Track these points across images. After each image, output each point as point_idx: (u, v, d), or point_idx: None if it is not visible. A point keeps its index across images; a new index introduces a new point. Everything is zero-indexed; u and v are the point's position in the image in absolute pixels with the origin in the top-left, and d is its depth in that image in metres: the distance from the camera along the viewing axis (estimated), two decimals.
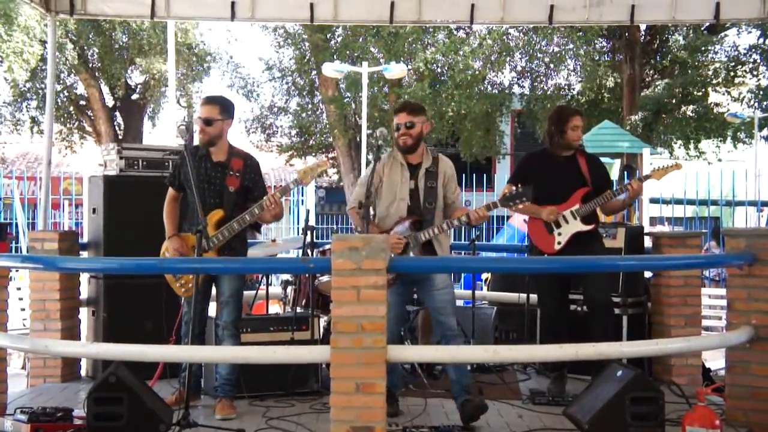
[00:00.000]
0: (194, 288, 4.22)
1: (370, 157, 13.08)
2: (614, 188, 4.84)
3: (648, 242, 5.60)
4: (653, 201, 11.59)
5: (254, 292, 6.00)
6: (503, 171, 18.13)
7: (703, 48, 17.36)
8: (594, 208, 4.76)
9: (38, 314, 5.14)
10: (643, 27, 17.32)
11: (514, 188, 4.34)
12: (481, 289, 7.63)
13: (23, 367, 6.26)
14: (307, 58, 18.75)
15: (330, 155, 20.52)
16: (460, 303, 6.52)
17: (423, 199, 4.30)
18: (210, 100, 4.49)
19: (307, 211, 6.00)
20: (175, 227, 4.44)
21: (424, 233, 4.25)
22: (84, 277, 5.50)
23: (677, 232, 7.19)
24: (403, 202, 4.31)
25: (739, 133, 17.89)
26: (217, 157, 4.41)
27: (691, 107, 17.75)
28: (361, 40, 16.99)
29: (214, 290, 4.52)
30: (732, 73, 17.72)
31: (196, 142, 4.50)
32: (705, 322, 6.57)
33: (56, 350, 4.40)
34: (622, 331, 5.10)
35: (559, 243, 4.73)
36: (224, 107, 4.44)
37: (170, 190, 4.51)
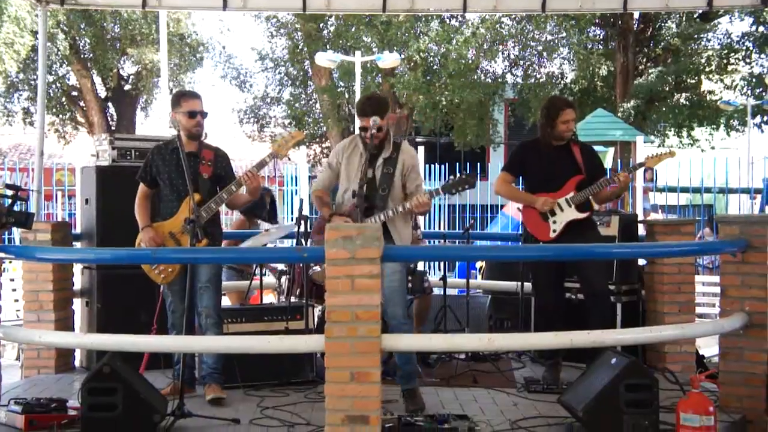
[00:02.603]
0: (188, 281, 4.24)
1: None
2: (608, 176, 4.85)
3: (642, 230, 5.60)
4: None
5: (248, 282, 5.98)
6: (497, 160, 18.08)
7: (696, 36, 17.36)
8: (588, 195, 4.76)
9: (32, 305, 5.12)
10: (636, 15, 17.28)
11: (458, 175, 4.32)
12: (476, 277, 7.63)
13: (17, 358, 6.25)
14: (300, 47, 18.68)
15: (324, 145, 20.48)
16: (454, 292, 6.55)
17: (377, 186, 4.29)
18: (198, 95, 4.61)
19: (301, 201, 5.99)
20: (148, 219, 4.51)
21: (370, 220, 4.23)
22: (77, 268, 5.48)
23: (671, 220, 7.19)
24: (355, 189, 4.30)
25: (732, 121, 17.91)
26: (189, 148, 4.45)
27: (684, 95, 17.76)
28: (353, 29, 16.91)
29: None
30: (725, 61, 17.71)
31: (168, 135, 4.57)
32: (699, 309, 6.60)
33: (50, 341, 4.39)
34: (616, 318, 5.10)
35: (554, 231, 4.73)
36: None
37: (141, 186, 4.56)
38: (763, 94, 17.40)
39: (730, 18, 17.79)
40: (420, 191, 4.39)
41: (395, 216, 4.27)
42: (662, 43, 18.21)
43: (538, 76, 18.21)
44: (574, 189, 4.75)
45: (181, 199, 4.43)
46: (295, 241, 5.32)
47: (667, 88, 17.43)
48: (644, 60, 18.50)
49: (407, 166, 4.35)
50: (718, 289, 4.67)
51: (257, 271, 5.67)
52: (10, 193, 3.91)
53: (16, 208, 3.90)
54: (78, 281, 5.48)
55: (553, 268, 4.81)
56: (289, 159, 19.44)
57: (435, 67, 17.24)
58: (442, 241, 6.94)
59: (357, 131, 4.51)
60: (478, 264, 8.04)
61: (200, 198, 4.34)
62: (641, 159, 5.37)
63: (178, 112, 4.46)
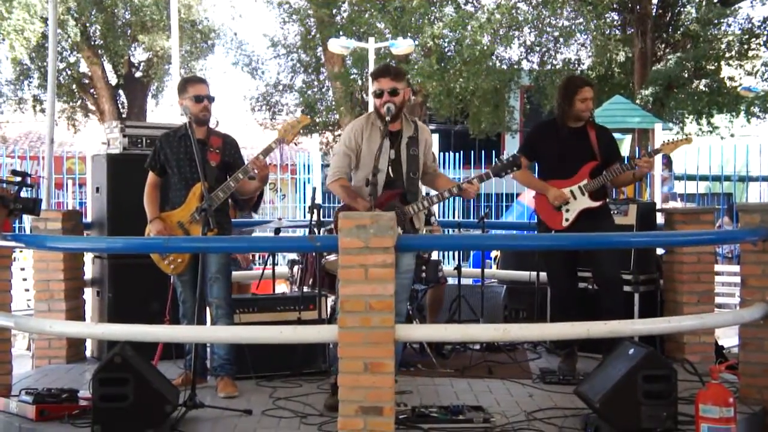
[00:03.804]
0: (200, 270, 4.19)
1: None
2: (624, 163, 4.76)
3: (660, 219, 5.51)
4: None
5: (260, 271, 5.95)
6: (512, 147, 17.96)
7: (716, 21, 17.05)
8: (602, 183, 4.68)
9: (42, 295, 5.11)
10: (654, 0, 17.05)
11: (503, 158, 4.22)
12: (491, 267, 7.55)
13: (28, 348, 6.25)
14: (313, 34, 18.59)
15: (336, 132, 20.41)
16: (469, 281, 6.48)
17: (406, 169, 4.10)
18: (205, 80, 4.55)
19: (314, 189, 5.94)
20: (156, 211, 4.46)
21: (412, 207, 4.07)
22: (88, 257, 5.47)
23: (690, 208, 7.09)
24: (382, 173, 4.03)
25: (752, 108, 17.58)
26: (197, 135, 4.39)
27: (703, 81, 17.46)
28: (367, 15, 16.79)
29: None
30: (745, 47, 17.40)
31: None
32: (718, 299, 6.50)
33: (61, 331, 4.38)
34: (634, 308, 5.04)
35: (566, 220, 4.66)
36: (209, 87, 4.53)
37: (151, 175, 4.52)
38: None
39: (752, 2, 17.50)
40: (437, 168, 4.29)
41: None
42: (681, 29, 17.91)
43: (555, 62, 18.01)
44: (587, 176, 4.67)
45: (189, 188, 4.39)
46: (308, 229, 5.26)
47: (686, 75, 17.15)
48: (663, 46, 18.22)
49: (428, 144, 4.23)
50: (737, 279, 4.59)
51: (269, 261, 5.63)
52: (17, 179, 3.89)
53: (23, 194, 3.88)
54: (89, 270, 5.46)
55: (566, 255, 4.73)
56: (296, 145, 19.48)
57: (449, 53, 17.10)
58: (456, 230, 6.85)
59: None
60: (493, 253, 7.96)
61: (208, 186, 4.28)
62: (658, 145, 5.27)
63: (185, 98, 4.42)
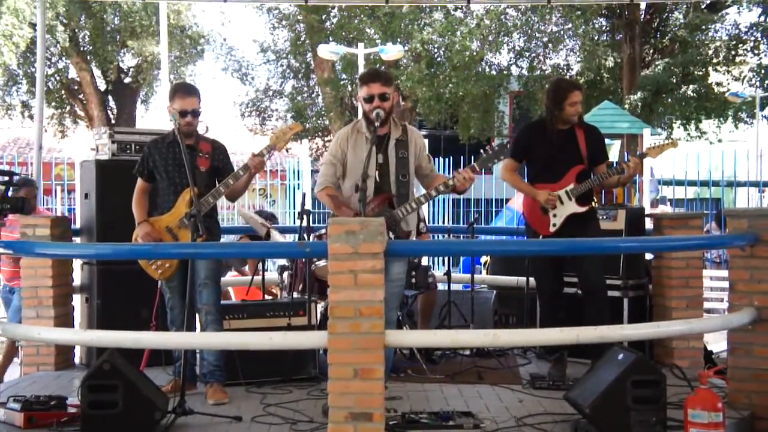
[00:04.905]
0: (189, 276, 4.18)
1: None
2: (613, 166, 4.77)
3: (649, 224, 5.53)
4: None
5: (250, 277, 5.94)
6: None
7: (703, 26, 17.18)
8: (588, 187, 4.69)
9: (31, 301, 5.07)
10: (642, 5, 17.15)
11: (488, 148, 4.15)
12: (480, 272, 7.57)
13: (16, 356, 6.21)
14: (302, 39, 18.61)
15: (326, 138, 20.43)
16: (458, 287, 6.48)
17: (395, 173, 4.07)
18: (194, 91, 4.47)
19: (303, 195, 5.93)
20: (144, 214, 4.46)
21: (401, 209, 4.03)
22: (77, 264, 5.43)
23: (679, 213, 7.13)
24: (370, 180, 3.99)
25: (740, 113, 17.75)
26: (186, 141, 4.36)
27: (691, 87, 17.58)
28: (356, 21, 16.83)
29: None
30: (733, 52, 17.55)
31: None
32: (706, 304, 6.54)
33: (49, 337, 4.35)
34: (623, 313, 5.04)
35: (554, 225, 4.67)
36: (200, 97, 4.46)
37: (139, 181, 4.51)
38: None
39: (738, 8, 17.64)
40: (434, 169, 4.26)
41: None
42: (669, 34, 18.04)
43: (544, 68, 18.10)
44: (574, 180, 4.67)
45: (178, 193, 4.38)
46: (297, 236, 5.25)
47: (674, 80, 17.26)
48: (651, 51, 18.35)
49: (419, 146, 4.17)
50: (726, 284, 4.61)
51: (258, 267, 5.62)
52: (5, 179, 3.87)
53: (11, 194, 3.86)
54: (78, 277, 5.43)
55: (552, 261, 4.73)
56: (287, 151, 19.46)
57: (439, 59, 17.15)
58: (446, 235, 6.86)
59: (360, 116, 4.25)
60: (483, 259, 7.97)
61: (198, 191, 4.27)
62: (643, 150, 5.29)
63: (172, 107, 4.40)
